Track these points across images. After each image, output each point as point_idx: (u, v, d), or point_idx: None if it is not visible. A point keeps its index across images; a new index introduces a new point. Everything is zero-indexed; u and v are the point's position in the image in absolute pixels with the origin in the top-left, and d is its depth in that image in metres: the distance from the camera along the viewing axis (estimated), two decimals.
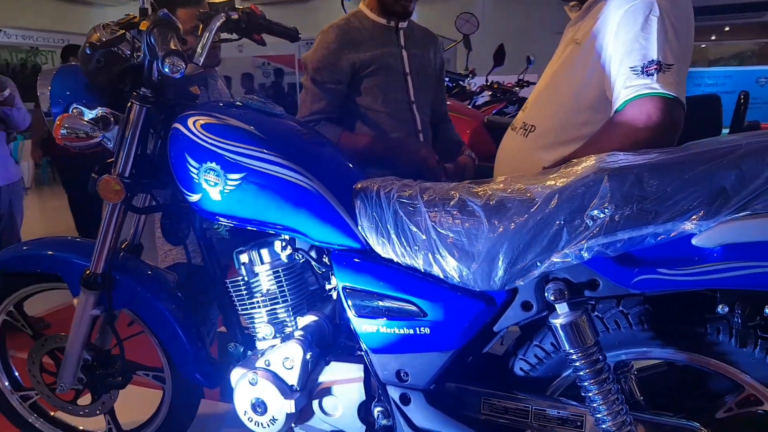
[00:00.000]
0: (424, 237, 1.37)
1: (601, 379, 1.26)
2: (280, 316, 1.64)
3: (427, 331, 1.40)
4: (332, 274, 1.53)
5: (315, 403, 1.59)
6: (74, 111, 1.62)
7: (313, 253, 1.60)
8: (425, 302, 1.39)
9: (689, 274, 1.16)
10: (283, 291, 1.63)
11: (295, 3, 13.93)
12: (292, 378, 1.55)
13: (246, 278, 1.67)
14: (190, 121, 1.55)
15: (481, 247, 1.29)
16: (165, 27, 1.46)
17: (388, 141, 2.19)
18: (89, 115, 1.62)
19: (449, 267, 1.34)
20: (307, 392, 1.58)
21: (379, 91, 2.22)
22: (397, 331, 1.42)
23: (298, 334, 1.57)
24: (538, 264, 1.23)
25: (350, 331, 1.53)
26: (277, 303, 1.64)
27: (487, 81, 5.46)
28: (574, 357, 1.26)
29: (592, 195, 1.18)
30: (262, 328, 1.66)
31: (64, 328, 1.85)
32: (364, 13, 2.28)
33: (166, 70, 1.41)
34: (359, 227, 1.47)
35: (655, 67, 1.42)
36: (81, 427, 2.14)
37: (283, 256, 1.61)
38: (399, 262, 1.43)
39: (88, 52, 1.48)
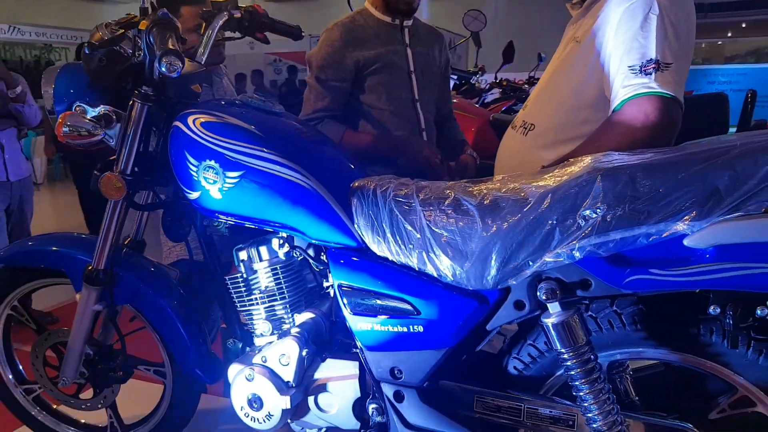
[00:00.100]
0: (418, 236, 1.37)
1: (592, 378, 1.26)
2: (277, 313, 1.66)
3: (421, 329, 1.40)
4: (329, 272, 1.54)
5: (311, 400, 1.61)
6: (77, 109, 1.64)
7: (310, 251, 1.61)
8: (419, 300, 1.39)
9: (681, 275, 1.16)
10: (281, 288, 1.64)
11: (304, 0, 13.95)
12: (287, 374, 1.56)
13: (245, 275, 1.68)
14: (189, 120, 1.57)
15: (474, 246, 1.29)
16: (164, 26, 1.48)
17: (391, 139, 2.19)
18: (92, 113, 1.64)
19: (443, 266, 1.35)
20: (303, 388, 1.59)
21: (383, 89, 2.22)
22: (391, 328, 1.43)
23: (294, 331, 1.58)
24: (531, 263, 1.24)
25: (347, 328, 1.54)
26: (275, 300, 1.65)
27: (496, 78, 5.45)
28: (565, 356, 1.26)
29: (585, 195, 1.18)
30: (260, 325, 1.67)
31: (71, 323, 1.87)
32: (369, 11, 2.28)
33: (163, 69, 1.42)
34: (355, 225, 1.48)
35: (653, 66, 1.42)
36: (83, 421, 2.17)
37: (281, 253, 1.62)
38: (394, 260, 1.43)
39: (87, 51, 1.50)
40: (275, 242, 1.63)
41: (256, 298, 1.67)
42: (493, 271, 1.28)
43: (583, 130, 1.57)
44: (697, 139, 1.35)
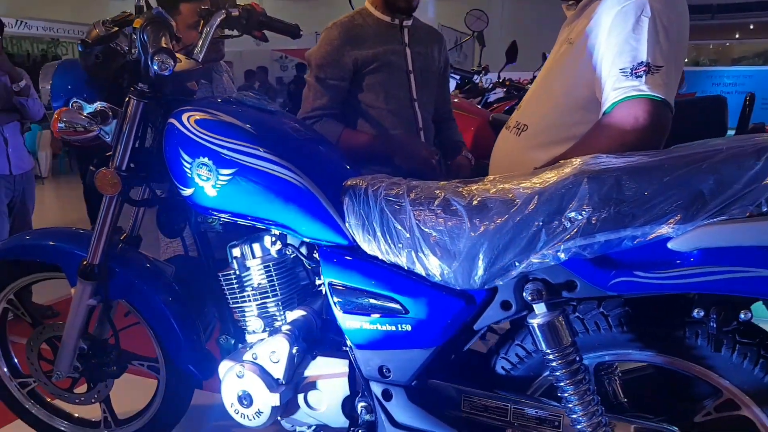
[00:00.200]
0: (408, 235, 1.38)
1: (577, 379, 1.27)
2: (269, 310, 1.67)
3: (409, 328, 1.41)
4: (321, 270, 1.55)
5: (300, 397, 1.62)
6: (74, 105, 1.66)
7: (303, 249, 1.62)
8: (407, 299, 1.40)
9: (665, 278, 1.17)
10: (273, 285, 1.65)
11: None
12: (278, 371, 1.58)
13: (238, 272, 1.69)
14: (184, 117, 1.58)
15: (462, 246, 1.30)
16: (158, 25, 1.49)
17: (388, 139, 2.20)
18: (88, 109, 1.66)
19: (431, 265, 1.35)
20: (293, 386, 1.60)
21: (381, 89, 2.23)
22: (379, 327, 1.44)
23: (285, 328, 1.59)
24: (517, 264, 1.24)
25: (338, 326, 1.55)
26: (267, 297, 1.66)
27: (499, 78, 5.45)
28: (550, 357, 1.27)
29: (571, 197, 1.18)
30: (252, 322, 1.68)
31: None
32: (369, 10, 2.29)
33: (155, 67, 1.44)
34: (347, 224, 1.48)
35: (644, 68, 1.42)
36: (77, 415, 2.18)
37: (273, 251, 1.63)
38: (384, 259, 1.44)
39: (81, 49, 1.51)
40: (268, 240, 1.64)
41: (248, 295, 1.68)
42: (480, 271, 1.28)
43: (575, 131, 1.58)
44: (694, 141, 1.36)
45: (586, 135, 1.52)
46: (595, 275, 1.22)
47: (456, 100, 3.76)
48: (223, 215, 1.59)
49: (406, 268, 1.41)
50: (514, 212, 1.24)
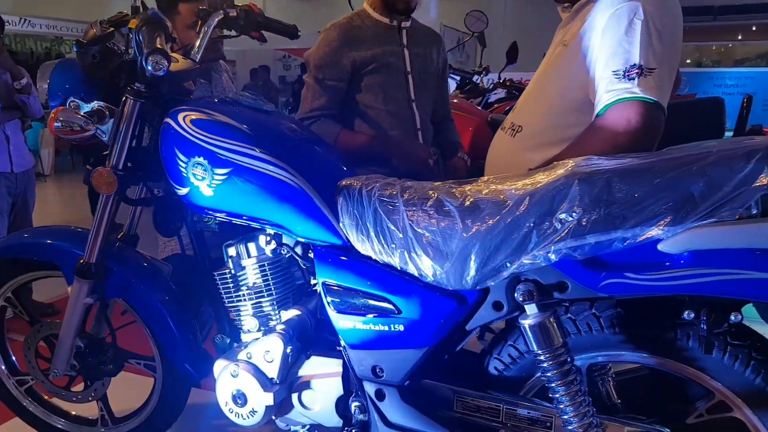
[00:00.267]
0: (401, 235, 1.39)
1: (568, 380, 1.27)
2: (264, 309, 1.67)
3: (401, 328, 1.42)
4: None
5: (294, 397, 1.62)
6: (71, 104, 1.67)
7: (298, 249, 1.63)
8: (400, 300, 1.41)
9: (656, 279, 1.17)
10: (269, 285, 1.66)
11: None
12: (272, 371, 1.58)
13: (233, 271, 1.70)
14: (180, 116, 1.59)
15: (454, 246, 1.31)
16: (153, 25, 1.50)
17: (386, 140, 2.20)
18: (85, 108, 1.67)
19: (424, 266, 1.36)
20: (287, 385, 1.61)
21: (380, 89, 2.24)
22: (372, 327, 1.45)
23: (279, 327, 1.60)
24: (508, 265, 1.25)
25: (332, 326, 1.55)
26: (262, 296, 1.66)
27: (500, 78, 5.44)
28: (542, 358, 1.28)
29: (562, 198, 1.19)
30: (247, 321, 1.69)
31: None
32: (368, 11, 2.29)
33: (149, 67, 1.44)
34: (341, 224, 1.49)
35: (636, 71, 1.42)
36: (74, 413, 2.19)
37: (268, 250, 1.64)
38: (377, 259, 1.45)
39: (75, 49, 1.52)
40: (263, 239, 1.64)
41: (243, 294, 1.69)
42: (472, 272, 1.29)
43: (569, 133, 1.58)
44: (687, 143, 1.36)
45: (579, 137, 1.52)
46: (585, 276, 1.23)
47: (455, 101, 3.76)
48: (218, 215, 1.59)
49: (399, 268, 1.41)
50: (505, 213, 1.24)
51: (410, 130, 2.31)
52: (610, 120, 1.43)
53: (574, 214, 1.17)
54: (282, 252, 1.65)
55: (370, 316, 1.45)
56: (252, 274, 1.67)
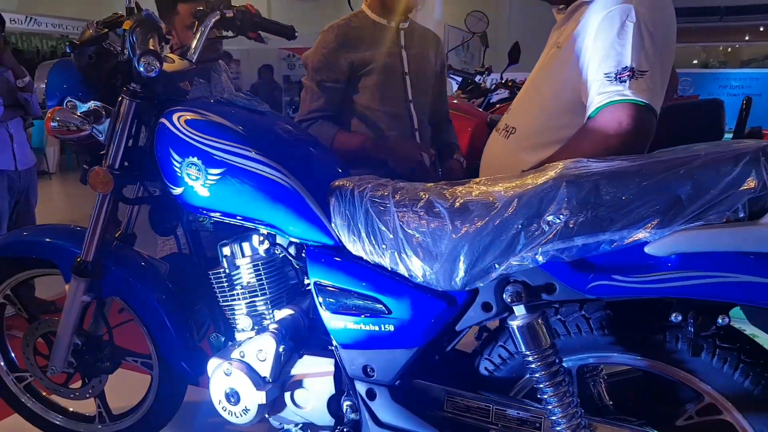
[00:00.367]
0: (391, 236, 1.40)
1: (556, 381, 1.28)
2: (258, 308, 1.68)
3: (392, 328, 1.43)
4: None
5: (287, 395, 1.63)
6: (68, 104, 1.68)
7: (291, 249, 1.64)
8: (390, 300, 1.42)
9: (643, 282, 1.18)
10: (262, 284, 1.67)
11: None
12: (264, 370, 1.59)
13: (227, 270, 1.71)
14: (175, 117, 1.60)
15: (444, 247, 1.32)
16: (147, 27, 1.51)
17: (383, 141, 2.21)
18: (82, 108, 1.68)
19: (414, 266, 1.37)
20: (280, 384, 1.62)
21: (377, 90, 2.24)
22: (363, 327, 1.46)
23: (272, 327, 1.61)
24: (497, 266, 1.26)
25: (325, 325, 1.56)
26: (256, 296, 1.68)
27: (502, 78, 5.44)
28: (530, 359, 1.28)
29: (550, 201, 1.20)
30: (241, 320, 1.70)
31: None
32: (366, 13, 2.30)
33: (141, 68, 1.46)
34: (333, 224, 1.50)
35: (628, 73, 1.43)
36: (71, 409, 2.20)
37: (261, 250, 1.65)
38: (368, 260, 1.46)
39: (69, 50, 1.53)
40: (257, 239, 1.66)
41: (237, 294, 1.70)
42: (461, 273, 1.30)
43: (563, 134, 1.58)
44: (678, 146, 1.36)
45: (571, 139, 1.53)
46: (573, 278, 1.23)
47: (455, 102, 3.77)
48: (212, 214, 1.61)
49: (389, 268, 1.42)
50: (494, 215, 1.25)
51: (408, 131, 2.32)
52: (601, 122, 1.43)
53: (561, 216, 1.18)
54: (276, 252, 1.66)
55: (361, 316, 1.46)
56: (246, 274, 1.68)
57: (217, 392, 1.64)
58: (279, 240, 1.65)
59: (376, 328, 1.44)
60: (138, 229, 2.01)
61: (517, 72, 5.97)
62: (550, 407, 1.29)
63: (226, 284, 1.72)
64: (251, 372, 1.60)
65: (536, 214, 1.20)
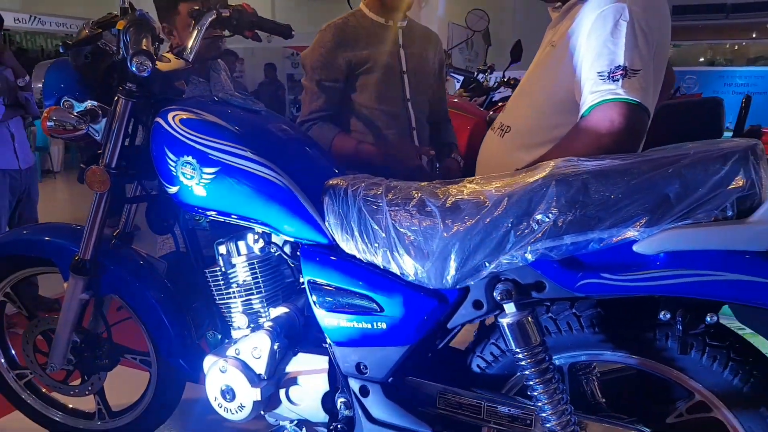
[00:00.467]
0: (384, 235, 1.41)
1: (546, 378, 1.29)
2: (254, 306, 1.70)
3: (384, 326, 1.44)
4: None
5: (282, 392, 1.65)
6: (65, 104, 1.70)
7: (286, 248, 1.65)
8: (382, 298, 1.43)
9: (632, 280, 1.18)
10: (258, 283, 1.68)
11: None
12: (259, 367, 1.60)
13: (223, 269, 1.72)
14: (170, 116, 1.61)
15: (435, 246, 1.32)
16: (140, 27, 1.52)
17: (382, 146, 2.20)
18: (78, 107, 1.70)
19: (406, 265, 1.38)
20: (275, 381, 1.63)
21: (375, 89, 2.24)
22: (356, 325, 1.47)
23: (267, 325, 1.62)
24: (487, 264, 1.26)
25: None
26: (252, 294, 1.69)
27: (504, 77, 5.44)
28: (519, 356, 1.29)
29: (539, 200, 1.20)
30: (237, 318, 1.71)
31: None
32: (363, 11, 2.30)
33: (133, 68, 1.47)
34: (326, 223, 1.51)
35: (621, 72, 1.43)
36: (71, 406, 2.22)
37: (256, 249, 1.66)
38: (361, 258, 1.47)
39: (62, 50, 1.55)
40: (252, 238, 1.67)
41: (233, 292, 1.71)
42: (452, 271, 1.31)
43: (557, 133, 1.59)
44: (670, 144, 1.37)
45: (564, 138, 1.53)
46: (562, 276, 1.24)
47: (456, 100, 3.77)
48: (207, 213, 1.62)
49: (382, 267, 1.43)
50: (484, 214, 1.26)
51: (405, 130, 2.32)
52: (593, 121, 1.44)
53: (550, 215, 1.19)
54: (271, 251, 1.67)
55: (354, 314, 1.47)
56: (242, 272, 1.69)
57: (212, 389, 1.66)
58: (274, 239, 1.66)
59: (369, 326, 1.45)
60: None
61: (520, 70, 5.95)
62: (540, 404, 1.30)
63: (222, 282, 1.73)
64: (246, 369, 1.61)
65: (526, 212, 1.21)
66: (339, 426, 1.58)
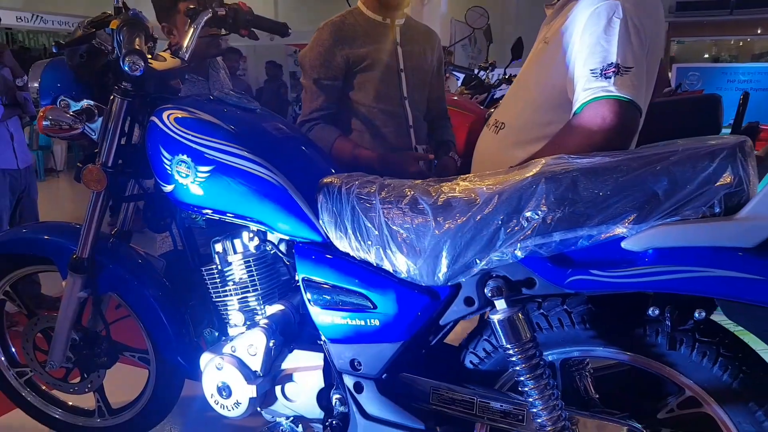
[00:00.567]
0: (377, 233, 1.42)
1: (536, 374, 1.30)
2: (250, 304, 1.71)
3: (377, 323, 1.45)
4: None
5: (278, 389, 1.66)
6: (61, 103, 1.71)
7: (282, 246, 1.66)
8: (375, 295, 1.44)
9: (620, 276, 1.19)
10: (254, 280, 1.69)
11: None
12: (255, 364, 1.62)
13: (220, 267, 1.74)
14: (165, 115, 1.62)
15: (427, 243, 1.33)
16: (133, 26, 1.53)
17: (380, 151, 2.20)
18: (75, 107, 1.71)
19: (398, 262, 1.39)
20: (270, 378, 1.64)
21: (372, 87, 2.25)
22: (350, 321, 1.48)
23: (263, 322, 1.63)
24: (478, 261, 1.28)
25: None
26: (248, 292, 1.70)
27: (505, 74, 5.44)
28: (510, 352, 1.30)
29: (529, 197, 1.21)
30: (234, 315, 1.72)
31: None
32: (361, 9, 2.31)
33: (126, 68, 1.48)
34: (320, 221, 1.52)
35: (613, 69, 1.43)
36: (70, 403, 2.24)
37: (252, 247, 1.67)
38: (355, 256, 1.48)
39: (55, 50, 1.56)
40: (247, 236, 1.68)
41: (230, 290, 1.72)
42: (443, 268, 1.32)
43: (550, 130, 1.59)
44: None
45: (556, 135, 1.54)
46: (552, 273, 1.25)
47: (455, 98, 3.77)
48: (203, 211, 1.63)
49: (375, 264, 1.44)
50: (475, 211, 1.27)
51: (402, 128, 2.32)
52: (585, 118, 1.44)
53: (539, 212, 1.19)
54: (267, 249, 1.68)
55: (348, 311, 1.48)
56: (238, 270, 1.70)
57: (209, 386, 1.67)
58: (269, 237, 1.67)
59: (363, 323, 1.46)
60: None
61: (521, 67, 5.95)
62: (531, 399, 1.31)
63: (218, 280, 1.75)
64: (242, 366, 1.62)
65: (516, 210, 1.22)
66: (334, 422, 1.59)
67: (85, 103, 1.70)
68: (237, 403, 1.63)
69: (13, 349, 2.24)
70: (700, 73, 9.35)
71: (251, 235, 1.67)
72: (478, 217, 1.26)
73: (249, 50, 11.68)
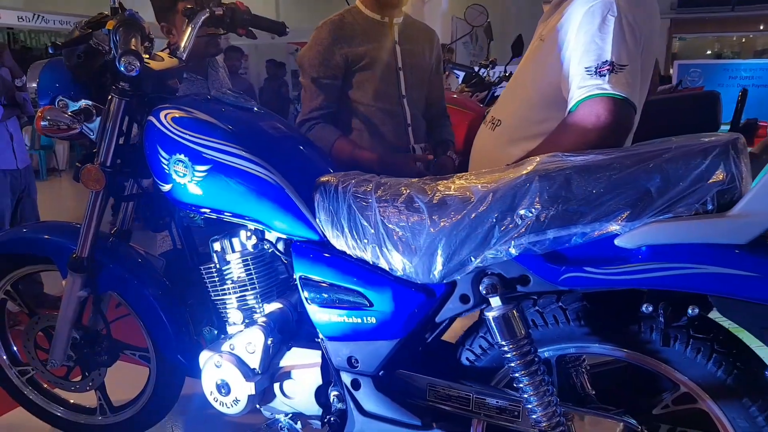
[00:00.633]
0: (373, 231, 1.42)
1: (531, 370, 1.30)
2: (248, 302, 1.72)
3: (374, 320, 1.46)
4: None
5: (276, 386, 1.67)
6: (59, 103, 1.72)
7: (279, 245, 1.67)
8: (372, 293, 1.45)
9: (614, 273, 1.20)
10: (252, 279, 1.70)
11: None
12: (253, 362, 1.63)
13: (218, 265, 1.74)
14: (162, 114, 1.63)
15: (422, 241, 1.34)
16: (129, 27, 1.54)
17: (379, 152, 2.20)
18: (73, 107, 1.72)
19: (394, 260, 1.40)
20: (269, 375, 1.66)
21: (370, 85, 2.25)
22: (347, 319, 1.49)
23: (261, 320, 1.64)
24: (473, 259, 1.28)
25: None
26: (246, 290, 1.71)
27: (505, 71, 5.45)
28: (505, 349, 1.31)
29: (523, 195, 1.22)
30: (232, 314, 1.73)
31: None
32: (359, 8, 2.31)
33: (122, 68, 1.49)
34: (317, 220, 1.53)
35: (608, 67, 1.44)
36: (72, 401, 2.25)
37: (250, 245, 1.68)
38: (351, 254, 1.49)
39: (51, 51, 1.57)
40: (245, 234, 1.69)
41: (228, 288, 1.73)
42: (439, 266, 1.33)
43: (545, 127, 1.60)
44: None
45: (552, 133, 1.55)
46: (546, 270, 1.25)
47: (454, 96, 3.77)
48: (201, 210, 1.64)
49: (371, 262, 1.45)
50: (469, 209, 1.28)
51: (401, 127, 2.33)
52: (580, 116, 1.45)
53: (533, 210, 1.20)
54: (264, 247, 1.69)
55: (345, 309, 1.49)
56: (236, 269, 1.71)
57: (208, 384, 1.68)
58: (267, 235, 1.68)
59: (359, 321, 1.47)
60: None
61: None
62: (526, 395, 1.32)
63: (217, 279, 1.76)
64: (241, 364, 1.63)
65: (510, 208, 1.23)
66: (332, 419, 1.60)
67: (83, 103, 1.71)
68: (236, 401, 1.64)
69: (15, 348, 2.25)
70: (702, 69, 9.35)
71: (249, 234, 1.68)
72: (473, 215, 1.27)
73: (251, 49, 11.68)
